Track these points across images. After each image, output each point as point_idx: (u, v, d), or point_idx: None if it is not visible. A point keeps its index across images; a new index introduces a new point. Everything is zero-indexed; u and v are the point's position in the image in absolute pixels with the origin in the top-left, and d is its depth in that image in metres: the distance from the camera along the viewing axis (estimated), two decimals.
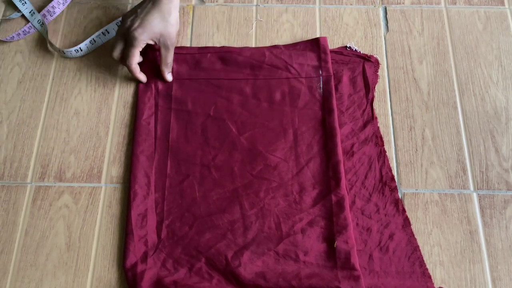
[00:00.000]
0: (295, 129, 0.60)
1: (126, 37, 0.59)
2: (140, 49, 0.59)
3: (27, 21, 0.68)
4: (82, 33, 0.68)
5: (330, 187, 0.56)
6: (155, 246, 0.53)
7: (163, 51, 0.60)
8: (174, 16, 0.60)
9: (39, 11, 0.68)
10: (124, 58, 0.60)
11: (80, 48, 0.64)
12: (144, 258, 0.52)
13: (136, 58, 0.60)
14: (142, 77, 0.62)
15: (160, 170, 0.58)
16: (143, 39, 0.58)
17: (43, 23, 0.67)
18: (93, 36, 0.65)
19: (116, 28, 0.66)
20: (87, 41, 0.65)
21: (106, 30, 0.66)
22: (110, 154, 0.59)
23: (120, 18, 0.67)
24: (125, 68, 0.65)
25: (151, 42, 0.60)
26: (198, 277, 0.52)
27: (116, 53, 0.60)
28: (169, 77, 0.62)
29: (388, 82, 0.64)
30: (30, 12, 0.68)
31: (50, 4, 0.68)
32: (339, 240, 0.53)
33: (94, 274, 0.53)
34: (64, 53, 0.65)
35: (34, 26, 0.68)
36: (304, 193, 0.56)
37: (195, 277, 0.52)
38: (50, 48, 0.66)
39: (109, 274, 0.53)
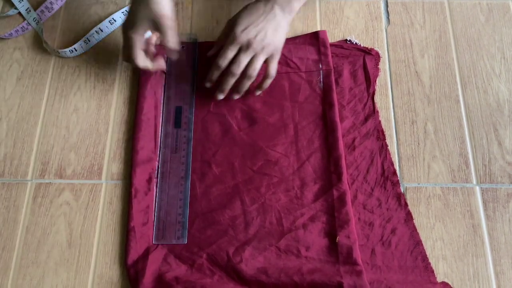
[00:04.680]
0: (296, 124, 0.59)
1: (124, 40, 0.55)
2: (140, 46, 0.55)
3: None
4: (80, 29, 0.67)
5: (332, 181, 0.56)
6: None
7: (162, 33, 0.54)
8: None
9: (37, 7, 0.68)
10: (128, 59, 0.56)
11: (74, 48, 0.64)
12: (146, 254, 0.52)
13: (139, 57, 0.55)
14: (155, 65, 0.58)
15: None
16: (134, 36, 0.53)
17: (38, 21, 0.66)
18: (87, 36, 0.65)
19: (109, 25, 0.66)
20: (81, 41, 0.64)
21: (99, 28, 0.65)
22: (110, 150, 0.59)
23: (113, 16, 0.66)
24: (124, 64, 0.64)
25: (148, 31, 0.54)
26: (199, 274, 0.51)
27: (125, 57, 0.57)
28: (174, 55, 0.57)
29: (389, 75, 0.63)
30: (26, 10, 0.68)
31: (48, 0, 0.68)
32: (341, 235, 0.53)
33: (96, 271, 0.53)
34: (59, 53, 0.64)
35: (29, 24, 0.67)
36: (305, 188, 0.56)
37: (196, 273, 0.51)
38: (45, 47, 0.65)
39: (111, 271, 0.53)
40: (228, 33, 0.57)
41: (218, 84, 0.58)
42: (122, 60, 0.59)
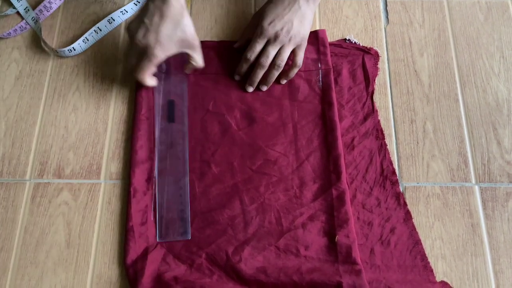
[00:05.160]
0: (295, 123, 0.59)
1: (143, 54, 0.55)
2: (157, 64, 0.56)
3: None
4: (79, 28, 0.67)
5: (331, 181, 0.56)
6: (155, 242, 0.53)
7: (191, 54, 0.57)
8: (186, 16, 0.54)
9: (35, 7, 0.68)
10: (137, 70, 0.56)
11: (73, 47, 0.64)
12: (145, 254, 0.52)
13: (150, 72, 0.57)
14: (153, 83, 0.59)
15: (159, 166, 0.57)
16: (162, 56, 0.54)
17: (37, 21, 0.66)
18: (85, 35, 0.65)
19: (107, 25, 0.66)
20: (79, 41, 0.64)
21: (98, 27, 0.65)
22: (109, 150, 0.59)
23: (112, 15, 0.66)
24: (123, 64, 0.64)
25: (174, 53, 0.56)
26: (198, 273, 0.51)
27: (130, 66, 0.58)
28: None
29: (388, 74, 0.63)
30: (25, 9, 0.67)
31: (47, 0, 0.68)
32: (340, 235, 0.53)
33: (95, 271, 0.53)
34: (58, 53, 0.64)
35: (28, 23, 0.67)
36: (304, 187, 0.56)
37: (195, 273, 0.51)
38: (44, 46, 0.65)
39: (110, 270, 0.53)
40: (254, 27, 0.59)
41: (245, 77, 0.61)
42: (133, 74, 0.58)
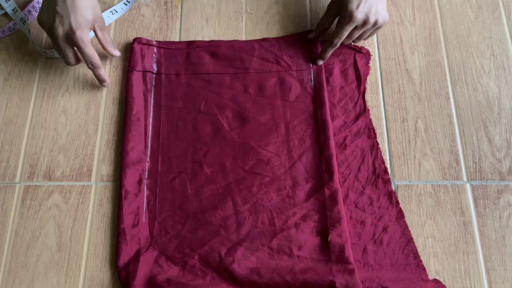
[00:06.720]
0: (287, 123, 0.59)
1: (70, 40, 0.55)
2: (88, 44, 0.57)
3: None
4: None
5: (323, 180, 0.56)
6: (147, 244, 0.53)
7: (100, 34, 0.58)
8: None
9: (24, 7, 0.67)
10: (87, 60, 0.57)
11: None
12: (137, 256, 0.52)
13: (95, 53, 0.57)
14: (106, 77, 0.60)
15: (151, 167, 0.57)
16: (86, 34, 0.55)
17: (25, 22, 0.65)
18: None
19: None
20: None
21: None
22: (99, 152, 0.59)
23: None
24: (113, 64, 0.64)
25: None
26: (191, 275, 0.51)
27: (72, 59, 0.58)
28: (116, 52, 0.61)
29: (380, 73, 0.63)
30: (13, 10, 0.66)
31: (35, 0, 0.67)
32: (333, 234, 0.53)
33: (86, 274, 0.52)
34: (47, 54, 0.63)
35: (16, 24, 0.66)
36: (297, 187, 0.56)
37: (188, 274, 0.51)
38: (32, 47, 0.64)
39: (101, 273, 0.52)
40: (332, 16, 0.60)
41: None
42: (72, 64, 0.59)
